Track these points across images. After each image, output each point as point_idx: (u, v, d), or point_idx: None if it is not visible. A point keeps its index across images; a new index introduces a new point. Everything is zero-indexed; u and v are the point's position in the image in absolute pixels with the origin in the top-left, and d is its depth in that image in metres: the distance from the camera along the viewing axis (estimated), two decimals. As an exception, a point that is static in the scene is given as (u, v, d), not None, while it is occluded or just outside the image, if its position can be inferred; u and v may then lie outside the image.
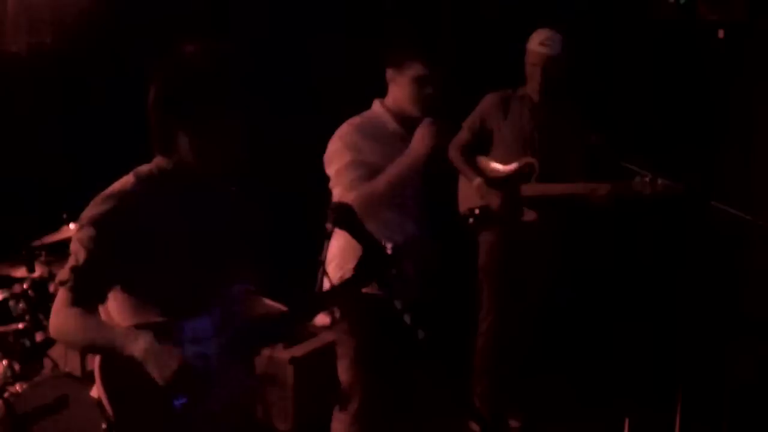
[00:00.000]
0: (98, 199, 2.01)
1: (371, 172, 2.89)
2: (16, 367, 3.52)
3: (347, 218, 2.23)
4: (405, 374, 3.13)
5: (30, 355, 3.62)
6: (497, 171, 3.92)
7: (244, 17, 4.52)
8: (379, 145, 2.94)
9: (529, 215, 3.84)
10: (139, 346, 1.86)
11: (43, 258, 3.75)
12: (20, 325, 3.55)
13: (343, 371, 3.07)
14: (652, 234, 5.10)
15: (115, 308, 2.03)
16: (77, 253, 1.97)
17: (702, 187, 3.46)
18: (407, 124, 3.01)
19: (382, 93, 3.08)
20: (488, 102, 3.99)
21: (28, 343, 3.55)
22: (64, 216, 3.79)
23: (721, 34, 4.68)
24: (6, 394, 3.27)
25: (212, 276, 2.08)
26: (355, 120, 3.01)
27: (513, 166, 3.88)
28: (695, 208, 3.33)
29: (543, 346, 4.35)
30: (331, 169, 2.96)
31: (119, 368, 1.90)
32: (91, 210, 1.99)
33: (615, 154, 3.61)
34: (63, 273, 1.99)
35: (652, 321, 4.92)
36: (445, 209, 2.57)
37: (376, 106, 3.07)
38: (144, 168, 2.09)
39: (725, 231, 4.50)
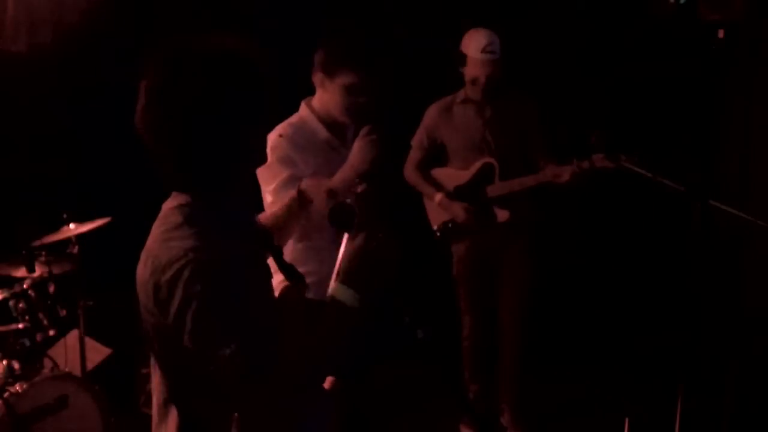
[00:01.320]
0: (183, 271, 1.62)
1: None
2: (16, 367, 3.52)
3: (347, 219, 2.22)
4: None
5: (30, 355, 3.63)
6: (458, 179, 3.88)
7: (245, 18, 4.52)
8: (312, 156, 2.85)
9: (502, 215, 3.80)
10: None
11: (43, 258, 3.76)
12: (20, 325, 3.55)
13: None
14: (652, 233, 5.10)
15: None
16: (243, 346, 1.62)
17: (702, 186, 3.45)
18: (336, 129, 2.93)
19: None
20: (430, 114, 3.93)
21: (28, 343, 3.56)
22: (64, 216, 3.79)
23: (721, 34, 4.68)
24: (6, 394, 3.28)
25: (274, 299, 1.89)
26: (285, 129, 2.86)
27: (472, 169, 3.83)
28: (695, 207, 3.32)
29: (542, 345, 4.36)
30: (267, 186, 2.81)
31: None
32: (191, 290, 1.61)
33: (615, 153, 3.59)
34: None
35: (651, 321, 4.92)
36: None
37: (304, 110, 2.95)
38: (184, 209, 1.72)
39: (725, 231, 4.50)
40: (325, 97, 2.90)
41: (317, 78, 2.89)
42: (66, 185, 4.28)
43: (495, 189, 3.80)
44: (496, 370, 4.11)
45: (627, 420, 3.46)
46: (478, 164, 3.82)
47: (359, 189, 2.36)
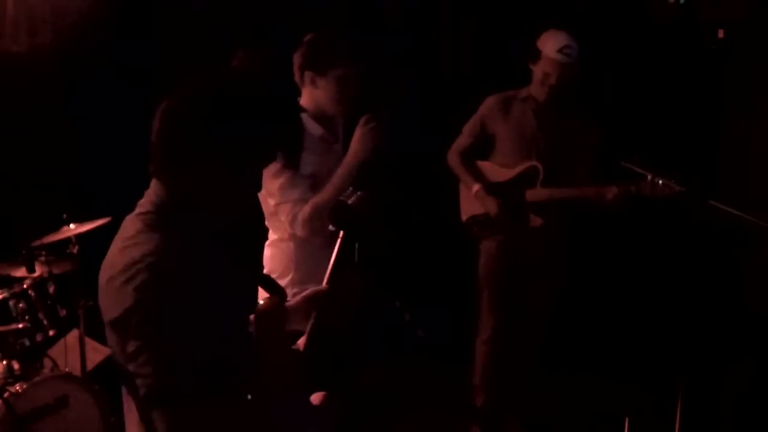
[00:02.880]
0: (136, 277, 1.61)
1: (311, 183, 2.85)
2: (16, 367, 3.52)
3: (347, 219, 2.23)
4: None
5: (30, 355, 3.63)
6: (500, 175, 3.83)
7: (246, 18, 4.52)
8: (311, 154, 2.88)
9: (535, 220, 3.75)
10: None
11: (43, 258, 3.76)
12: (20, 325, 3.55)
13: None
14: (652, 234, 5.10)
15: None
16: (164, 359, 1.60)
17: (702, 187, 3.45)
18: (328, 125, 2.98)
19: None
20: (488, 105, 3.88)
21: (28, 343, 3.56)
22: (64, 216, 3.79)
23: (721, 34, 4.67)
24: (6, 394, 3.27)
25: (250, 302, 1.88)
26: None
27: (517, 169, 3.78)
28: (696, 207, 3.32)
29: (542, 345, 4.36)
30: (272, 186, 2.83)
31: None
32: (139, 296, 1.60)
33: (614, 153, 3.59)
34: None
35: (652, 321, 4.92)
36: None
37: None
38: (150, 215, 1.72)
39: (725, 231, 4.50)
40: (316, 94, 2.93)
41: (306, 77, 2.92)
42: (66, 185, 4.28)
43: (535, 194, 3.73)
44: (506, 373, 4.07)
45: (627, 420, 3.46)
46: (523, 166, 3.77)
47: (351, 200, 2.36)
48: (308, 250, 2.90)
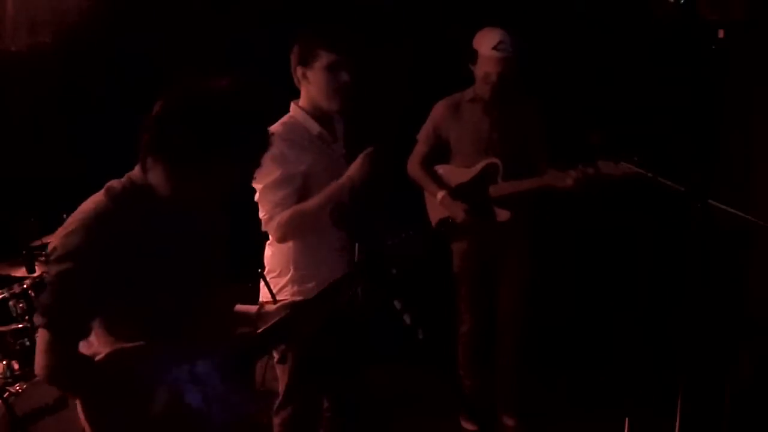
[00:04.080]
0: (72, 226, 1.86)
1: (300, 184, 2.85)
2: (16, 367, 3.52)
3: (346, 218, 2.23)
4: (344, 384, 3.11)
5: (30, 355, 3.62)
6: (461, 176, 3.88)
7: (246, 18, 4.52)
8: (305, 152, 2.88)
9: (502, 215, 3.81)
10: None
11: (43, 258, 3.76)
12: (20, 325, 3.55)
13: (283, 373, 3.00)
14: (651, 234, 5.09)
15: (96, 337, 1.96)
16: (59, 291, 1.85)
17: (702, 186, 3.45)
18: (326, 123, 2.98)
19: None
20: (439, 111, 3.94)
21: (28, 343, 3.56)
22: (64, 216, 3.78)
23: (721, 34, 4.67)
24: (6, 394, 3.27)
25: (194, 299, 1.99)
26: (278, 128, 2.89)
27: (476, 168, 3.84)
28: (695, 207, 3.32)
29: (542, 345, 4.36)
30: (259, 183, 2.85)
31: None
32: (66, 240, 1.85)
33: (614, 153, 3.59)
34: (40, 313, 1.88)
35: (652, 321, 4.92)
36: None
37: (294, 109, 2.99)
38: (116, 184, 1.95)
39: (725, 231, 4.49)
40: (310, 89, 2.94)
41: (298, 74, 2.94)
42: (66, 185, 4.27)
43: (498, 189, 3.80)
44: (494, 368, 4.12)
45: (627, 420, 3.46)
46: (482, 163, 3.83)
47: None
48: (308, 249, 2.91)
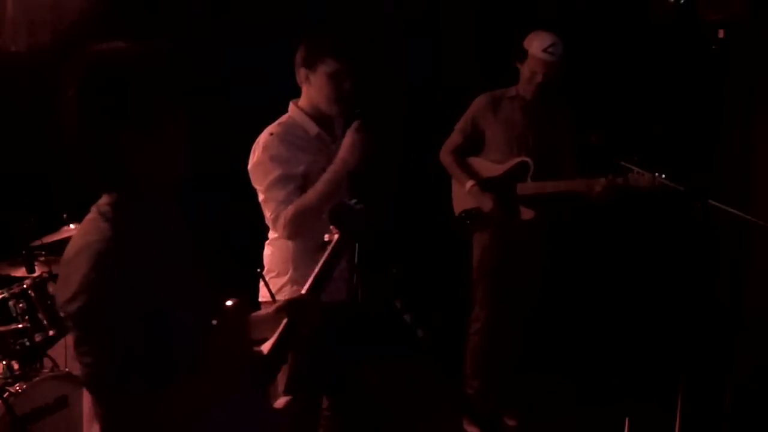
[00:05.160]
0: (81, 266, 1.60)
1: (301, 183, 2.85)
2: (16, 367, 3.52)
3: (345, 218, 2.22)
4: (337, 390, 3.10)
5: (30, 355, 3.63)
6: (492, 171, 3.93)
7: (242, 19, 4.52)
8: (303, 152, 2.88)
9: (527, 214, 3.85)
10: None
11: (43, 258, 3.76)
12: (20, 325, 3.55)
13: (282, 373, 2.94)
14: (652, 233, 5.10)
15: None
16: (100, 348, 1.59)
17: (702, 186, 3.45)
18: (325, 125, 2.98)
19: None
20: (479, 104, 3.99)
21: (27, 343, 3.55)
22: (64, 216, 3.79)
23: (721, 34, 4.68)
24: (6, 394, 3.27)
25: (205, 306, 1.80)
26: (276, 128, 2.90)
27: (508, 165, 3.88)
28: (696, 207, 3.32)
29: (543, 344, 4.36)
30: (260, 184, 2.85)
31: None
32: (80, 285, 1.59)
33: (614, 153, 3.61)
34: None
35: (652, 320, 4.92)
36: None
37: (293, 109, 2.99)
38: (105, 207, 1.77)
39: (725, 231, 4.50)
40: (311, 92, 2.94)
41: (301, 75, 2.94)
42: (66, 185, 4.27)
43: (526, 188, 3.84)
44: (498, 368, 4.12)
45: (627, 420, 3.46)
46: (514, 161, 3.87)
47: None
48: (307, 248, 2.90)
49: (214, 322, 1.77)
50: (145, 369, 1.59)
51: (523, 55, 3.80)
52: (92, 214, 1.76)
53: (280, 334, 1.99)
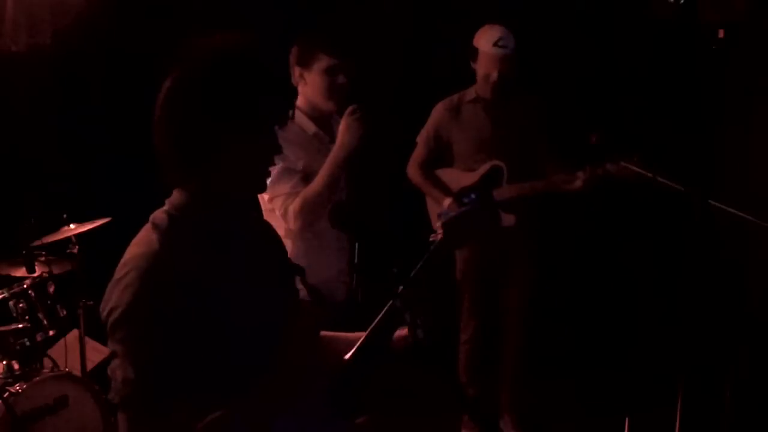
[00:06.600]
0: (125, 277, 1.52)
1: (302, 176, 2.87)
2: (16, 367, 3.52)
3: (345, 217, 2.22)
4: None
5: (30, 355, 3.63)
6: (464, 180, 3.77)
7: (242, 18, 4.52)
8: (302, 151, 2.89)
9: (508, 219, 3.69)
10: None
11: (43, 258, 3.76)
12: (20, 325, 3.55)
13: None
14: (652, 234, 5.09)
15: None
16: (134, 356, 1.49)
17: (702, 186, 3.45)
18: (323, 124, 2.99)
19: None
20: (438, 113, 3.83)
21: (28, 343, 3.56)
22: (64, 216, 3.79)
23: (721, 34, 4.67)
24: (6, 394, 3.27)
25: (277, 326, 1.67)
26: None
27: (480, 171, 3.75)
28: (695, 207, 3.32)
29: (542, 346, 4.36)
30: None
31: None
32: (120, 297, 1.51)
33: (614, 153, 3.58)
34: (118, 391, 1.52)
35: (652, 321, 4.92)
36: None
37: None
38: (161, 215, 1.62)
39: (725, 231, 4.49)
40: (307, 90, 2.95)
41: (296, 75, 2.95)
42: (66, 185, 4.27)
43: (503, 192, 3.70)
44: (496, 373, 4.10)
45: (627, 420, 3.46)
46: (486, 166, 3.74)
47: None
48: (307, 249, 2.90)
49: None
50: (181, 389, 1.49)
51: (475, 53, 3.65)
52: (148, 224, 1.63)
53: (366, 338, 1.85)
